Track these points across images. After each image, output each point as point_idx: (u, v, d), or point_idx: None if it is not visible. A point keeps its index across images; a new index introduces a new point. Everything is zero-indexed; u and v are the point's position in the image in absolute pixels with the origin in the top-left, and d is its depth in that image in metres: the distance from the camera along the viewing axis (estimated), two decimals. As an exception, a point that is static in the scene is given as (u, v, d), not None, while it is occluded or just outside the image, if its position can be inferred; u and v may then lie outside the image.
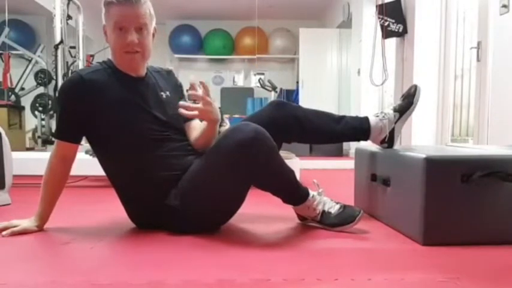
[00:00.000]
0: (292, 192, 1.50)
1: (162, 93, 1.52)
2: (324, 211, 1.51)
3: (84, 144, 1.52)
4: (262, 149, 1.32)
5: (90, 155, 2.56)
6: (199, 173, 1.40)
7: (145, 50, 1.42)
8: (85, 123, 1.41)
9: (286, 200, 1.53)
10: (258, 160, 1.33)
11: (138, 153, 1.42)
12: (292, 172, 1.45)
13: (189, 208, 1.39)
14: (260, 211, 1.85)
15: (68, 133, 1.43)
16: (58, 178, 1.45)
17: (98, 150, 1.50)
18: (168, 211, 1.41)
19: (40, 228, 1.45)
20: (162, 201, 1.41)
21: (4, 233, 1.39)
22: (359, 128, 1.61)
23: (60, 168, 1.44)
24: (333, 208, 1.51)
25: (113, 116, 1.40)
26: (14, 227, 1.41)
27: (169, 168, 1.42)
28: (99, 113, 1.40)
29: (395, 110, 1.61)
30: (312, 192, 1.53)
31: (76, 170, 1.52)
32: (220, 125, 1.54)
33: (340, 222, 1.48)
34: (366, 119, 1.62)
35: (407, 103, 1.60)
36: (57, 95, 1.46)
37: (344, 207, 1.51)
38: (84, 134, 1.46)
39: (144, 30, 1.40)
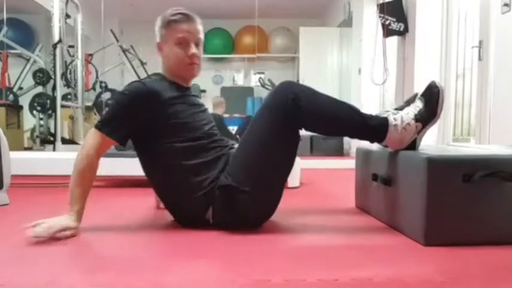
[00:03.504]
0: (362, 127, 1.45)
1: (199, 99, 1.69)
2: (415, 115, 1.43)
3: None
4: (293, 88, 1.48)
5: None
6: (243, 148, 1.47)
7: (200, 62, 1.59)
8: (141, 128, 1.48)
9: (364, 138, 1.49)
10: (297, 97, 1.45)
11: (194, 150, 1.49)
12: (349, 107, 1.50)
13: (241, 182, 1.41)
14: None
15: (121, 134, 1.49)
16: (94, 171, 1.47)
17: (148, 154, 1.54)
18: (220, 194, 1.43)
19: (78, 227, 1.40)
20: (215, 183, 1.44)
21: (45, 233, 1.30)
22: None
23: (96, 162, 1.48)
24: (415, 109, 1.45)
25: (176, 121, 1.49)
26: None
27: (219, 159, 1.50)
28: (161, 120, 1.48)
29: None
30: (389, 118, 1.44)
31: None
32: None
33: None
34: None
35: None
36: (116, 98, 1.52)
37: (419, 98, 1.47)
38: (134, 137, 1.52)
39: (200, 45, 1.58)
